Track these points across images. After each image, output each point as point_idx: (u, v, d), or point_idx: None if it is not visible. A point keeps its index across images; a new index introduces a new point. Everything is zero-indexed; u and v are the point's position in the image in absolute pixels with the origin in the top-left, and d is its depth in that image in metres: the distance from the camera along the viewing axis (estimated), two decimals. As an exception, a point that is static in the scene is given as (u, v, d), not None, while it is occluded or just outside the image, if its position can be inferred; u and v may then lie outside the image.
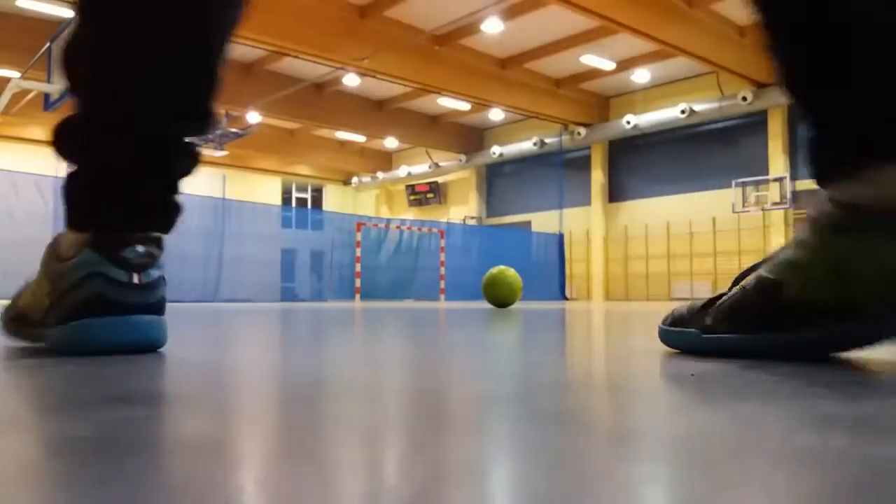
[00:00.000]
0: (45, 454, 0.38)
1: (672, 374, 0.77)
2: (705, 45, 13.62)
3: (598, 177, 18.95)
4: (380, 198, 25.54)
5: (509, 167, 21.33)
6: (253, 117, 17.90)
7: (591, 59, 15.81)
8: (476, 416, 0.50)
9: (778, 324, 0.83)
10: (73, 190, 0.98)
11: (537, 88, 17.12)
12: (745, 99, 15.35)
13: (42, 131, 18.72)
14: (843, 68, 0.77)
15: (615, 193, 18.87)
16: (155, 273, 0.94)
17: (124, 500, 0.27)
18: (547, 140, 19.32)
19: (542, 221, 19.70)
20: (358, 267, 13.27)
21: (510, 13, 13.37)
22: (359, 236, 13.72)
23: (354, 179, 25.75)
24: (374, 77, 15.48)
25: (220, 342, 1.43)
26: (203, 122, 1.04)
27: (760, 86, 15.27)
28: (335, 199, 25.58)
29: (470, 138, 21.66)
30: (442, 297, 14.46)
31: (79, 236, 0.94)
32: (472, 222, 20.97)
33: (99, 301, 0.90)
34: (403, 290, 14.71)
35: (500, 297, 5.09)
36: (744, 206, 15.79)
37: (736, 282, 0.95)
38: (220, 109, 16.95)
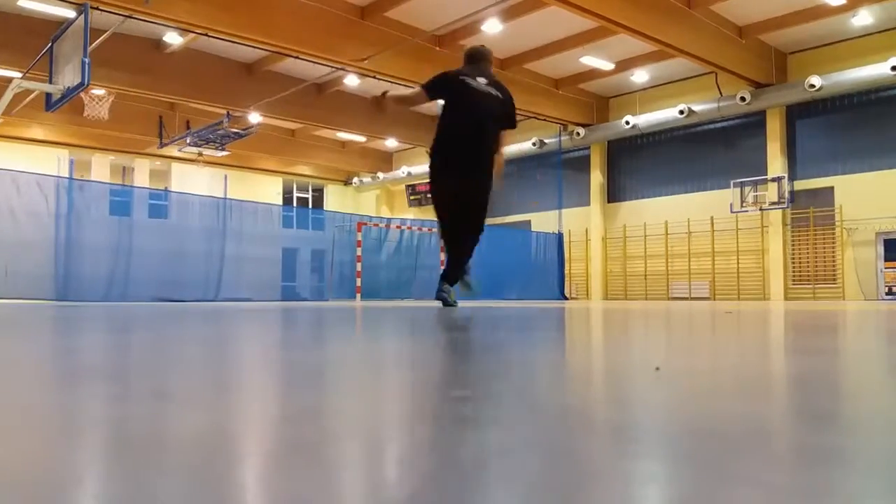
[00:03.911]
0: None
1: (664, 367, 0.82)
2: (704, 46, 13.68)
3: (597, 177, 19.02)
4: (380, 198, 25.61)
5: (509, 167, 21.20)
6: (254, 118, 17.98)
7: (591, 60, 15.88)
8: (477, 411, 0.52)
9: None
10: None
11: (537, 89, 17.18)
12: (743, 99, 15.42)
13: (43, 131, 18.79)
14: None
15: (614, 193, 18.94)
16: None
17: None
18: (546, 140, 19.39)
19: (542, 221, 19.76)
20: (359, 266, 13.34)
21: (510, 14, 13.43)
22: (359, 236, 13.79)
23: (355, 179, 25.82)
24: (374, 77, 15.54)
25: (232, 338, 1.48)
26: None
27: (759, 86, 15.34)
28: (336, 199, 25.66)
29: (470, 138, 21.71)
30: (442, 296, 14.51)
31: None
32: (472, 222, 21.01)
33: None
34: (404, 289, 14.77)
35: None
36: (742, 206, 15.84)
37: None
38: (222, 110, 17.03)
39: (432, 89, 5.17)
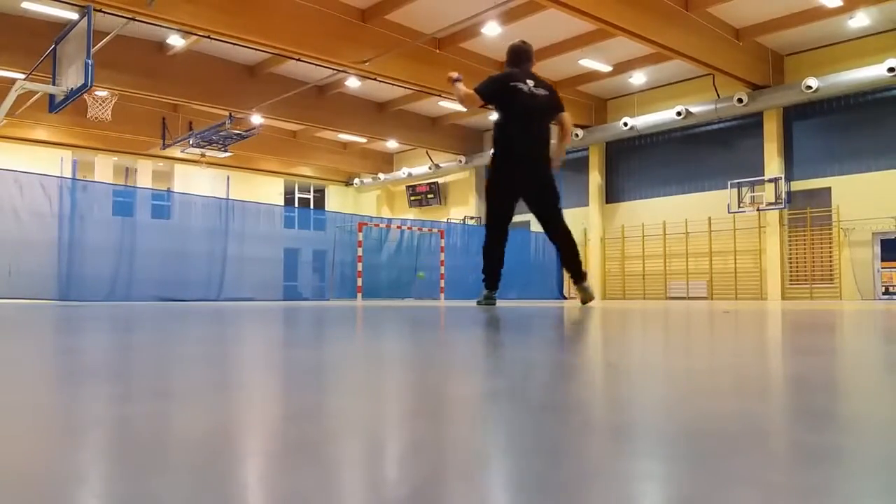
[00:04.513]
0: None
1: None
2: (701, 48, 13.75)
3: (595, 178, 19.10)
4: (381, 198, 25.69)
5: (509, 168, 21.43)
6: (256, 119, 18.08)
7: (589, 62, 15.95)
8: (476, 410, 0.54)
9: None
10: None
11: (536, 90, 17.24)
12: (740, 101, 15.49)
13: (47, 132, 18.90)
14: None
15: (612, 194, 19.03)
16: None
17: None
18: (546, 141, 19.46)
19: (541, 222, 19.82)
20: (359, 266, 13.41)
21: (509, 17, 13.52)
22: (360, 236, 13.87)
23: (356, 180, 25.92)
24: (375, 80, 15.62)
25: (234, 338, 1.56)
26: None
27: (756, 88, 15.42)
28: (337, 200, 25.75)
29: (469, 140, 21.81)
30: (442, 295, 14.62)
31: None
32: (472, 222, 21.09)
33: None
34: (404, 289, 14.86)
35: None
36: (739, 206, 15.92)
37: None
38: (224, 112, 17.14)
39: (486, 96, 5.21)
